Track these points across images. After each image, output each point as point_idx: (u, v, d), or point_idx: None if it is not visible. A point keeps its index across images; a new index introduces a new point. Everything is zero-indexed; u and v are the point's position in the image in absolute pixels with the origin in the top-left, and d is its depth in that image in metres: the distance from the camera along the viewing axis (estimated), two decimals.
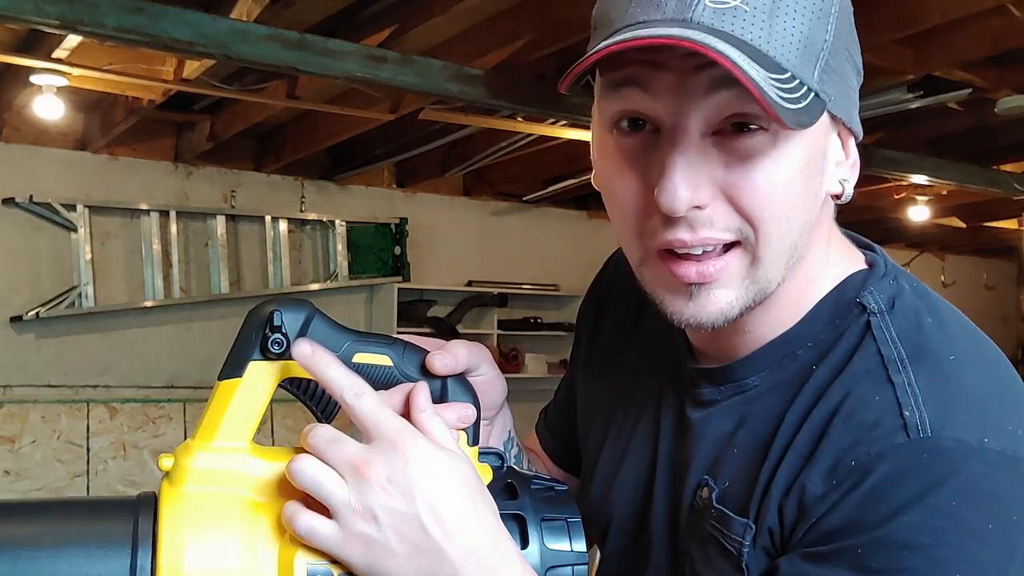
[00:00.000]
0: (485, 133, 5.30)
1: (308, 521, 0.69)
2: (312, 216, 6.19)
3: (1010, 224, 7.88)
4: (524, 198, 6.85)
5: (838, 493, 0.70)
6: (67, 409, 5.30)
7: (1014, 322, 9.50)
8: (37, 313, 5.28)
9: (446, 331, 6.43)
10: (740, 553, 0.75)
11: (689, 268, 0.72)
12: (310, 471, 0.69)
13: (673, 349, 0.89)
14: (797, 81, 0.68)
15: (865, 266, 0.82)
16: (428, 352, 0.77)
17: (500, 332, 6.81)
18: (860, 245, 0.86)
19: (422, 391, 0.74)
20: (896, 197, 6.64)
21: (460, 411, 0.76)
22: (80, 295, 5.41)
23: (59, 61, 3.94)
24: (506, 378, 0.90)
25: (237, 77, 4.39)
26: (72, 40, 3.61)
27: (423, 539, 0.67)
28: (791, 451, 0.74)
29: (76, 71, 4.09)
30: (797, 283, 0.78)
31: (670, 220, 0.71)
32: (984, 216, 7.60)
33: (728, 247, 0.73)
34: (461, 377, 0.79)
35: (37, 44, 3.99)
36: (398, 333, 6.23)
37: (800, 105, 0.67)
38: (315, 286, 6.19)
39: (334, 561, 0.69)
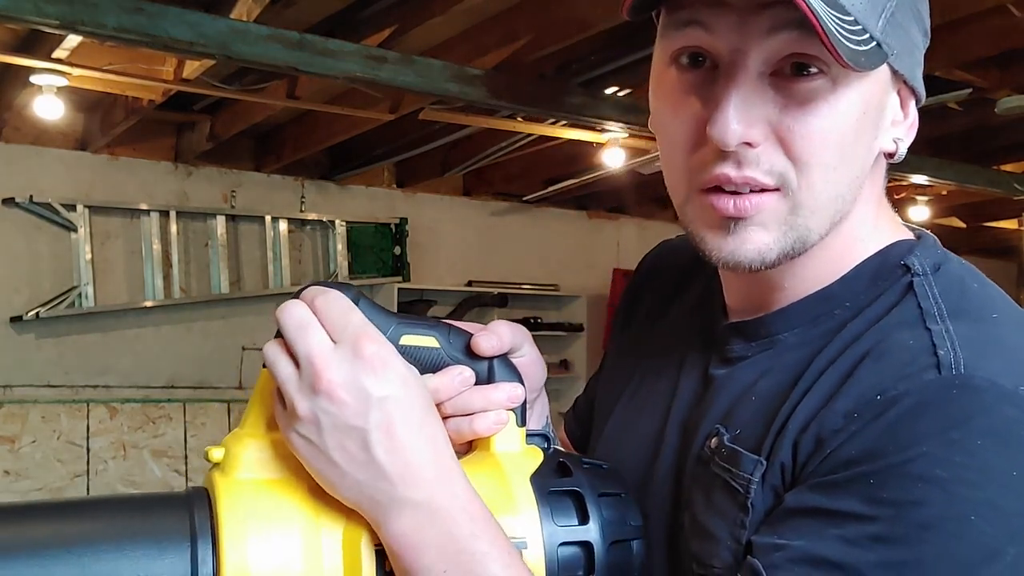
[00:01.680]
0: (485, 133, 5.30)
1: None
2: (312, 216, 6.18)
3: (1010, 224, 7.88)
4: (524, 198, 6.84)
5: (857, 424, 0.66)
6: (67, 409, 5.29)
7: None
8: (37, 313, 5.28)
9: None
10: (747, 491, 0.72)
11: (727, 201, 0.72)
12: (270, 354, 0.69)
13: (709, 315, 0.88)
14: (860, 27, 0.67)
15: (913, 238, 0.81)
16: (472, 334, 0.76)
17: None
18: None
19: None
20: (896, 197, 6.64)
21: (509, 391, 0.76)
22: (80, 295, 5.41)
23: (59, 61, 3.94)
24: None
25: (237, 77, 4.39)
26: (72, 40, 3.61)
27: (362, 454, 0.66)
28: (813, 391, 0.72)
29: (76, 71, 4.09)
30: (841, 240, 0.77)
31: (719, 155, 0.71)
32: (984, 216, 7.61)
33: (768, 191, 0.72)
34: (506, 358, 0.78)
35: (37, 44, 3.99)
36: None
37: (861, 48, 0.66)
38: None
39: None
